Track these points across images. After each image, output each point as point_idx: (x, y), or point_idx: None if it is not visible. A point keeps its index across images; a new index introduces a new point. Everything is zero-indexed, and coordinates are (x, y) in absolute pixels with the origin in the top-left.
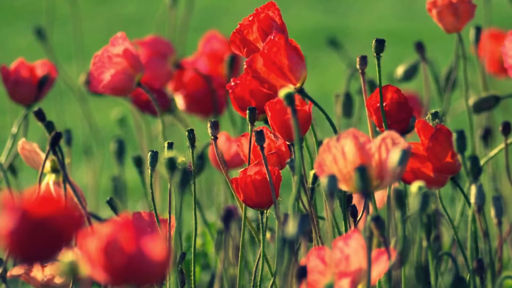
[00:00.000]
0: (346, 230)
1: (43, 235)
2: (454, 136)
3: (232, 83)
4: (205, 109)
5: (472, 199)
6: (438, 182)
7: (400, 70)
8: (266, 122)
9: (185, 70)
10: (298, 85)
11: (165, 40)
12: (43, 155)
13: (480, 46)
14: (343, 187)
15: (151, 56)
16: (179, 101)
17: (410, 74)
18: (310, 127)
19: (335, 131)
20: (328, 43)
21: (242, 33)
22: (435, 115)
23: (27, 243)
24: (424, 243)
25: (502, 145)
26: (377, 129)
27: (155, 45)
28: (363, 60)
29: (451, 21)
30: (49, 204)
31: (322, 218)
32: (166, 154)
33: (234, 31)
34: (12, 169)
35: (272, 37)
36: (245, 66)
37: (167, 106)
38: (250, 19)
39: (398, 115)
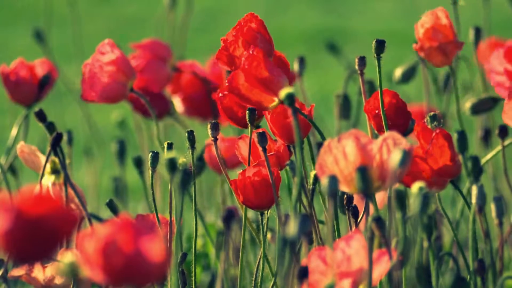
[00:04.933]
0: (347, 231)
1: (38, 235)
2: (455, 137)
3: (220, 94)
4: (203, 112)
5: (473, 200)
6: (438, 185)
7: (398, 72)
8: (257, 128)
9: (182, 73)
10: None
11: (164, 43)
12: (42, 157)
13: (480, 53)
14: (344, 188)
15: (150, 60)
16: (177, 104)
17: (408, 76)
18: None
19: (323, 138)
20: (327, 47)
21: (228, 50)
22: (433, 118)
23: (22, 243)
24: (425, 244)
25: (499, 147)
26: (376, 132)
27: (154, 48)
28: (362, 61)
29: (440, 59)
30: (43, 203)
31: (322, 222)
32: (166, 155)
33: (220, 48)
34: (12, 170)
35: (250, 52)
36: (226, 84)
37: (167, 109)
38: (234, 34)
39: (397, 119)
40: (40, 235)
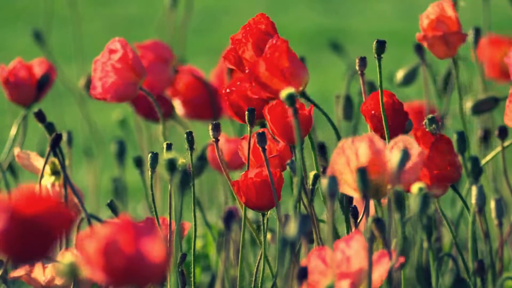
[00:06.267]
0: (347, 232)
1: (33, 234)
2: (455, 137)
3: (227, 90)
4: (203, 114)
5: (473, 200)
6: (439, 190)
7: (400, 74)
8: (262, 126)
9: (182, 75)
10: (301, 88)
11: (165, 45)
12: (40, 160)
13: (479, 50)
14: (351, 191)
15: (152, 61)
16: (178, 106)
17: (410, 78)
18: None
19: (338, 135)
20: (330, 46)
21: (237, 51)
22: (431, 121)
23: (17, 242)
24: (425, 244)
25: (499, 148)
26: (373, 133)
27: (156, 49)
28: (362, 61)
29: (443, 50)
30: (38, 202)
31: (322, 221)
32: (165, 155)
33: (229, 48)
34: (12, 170)
35: (274, 42)
36: (247, 71)
37: (169, 112)
38: (244, 35)
39: (394, 120)
40: (36, 234)
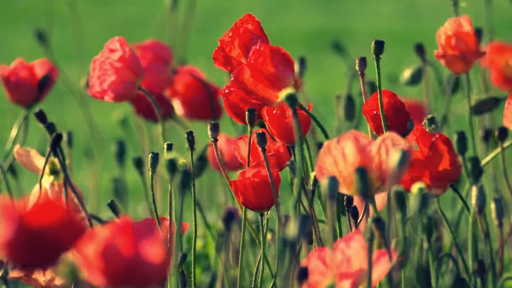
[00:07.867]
0: (348, 231)
1: (41, 245)
2: (455, 137)
3: (226, 90)
4: (203, 115)
5: (473, 201)
6: (438, 189)
7: (406, 74)
8: (261, 126)
9: (181, 76)
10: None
11: (165, 45)
12: (40, 159)
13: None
14: (343, 189)
15: (152, 61)
16: (177, 107)
17: (416, 78)
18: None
19: (326, 136)
20: (332, 47)
21: (225, 50)
22: (431, 121)
23: (25, 252)
24: (425, 245)
25: (498, 149)
26: (375, 133)
27: (156, 50)
28: (362, 61)
29: (460, 67)
30: (48, 213)
31: (322, 221)
32: (166, 155)
33: (217, 48)
34: (12, 170)
35: (257, 47)
36: (231, 78)
37: (169, 112)
38: (230, 35)
39: (395, 120)
40: (43, 245)
